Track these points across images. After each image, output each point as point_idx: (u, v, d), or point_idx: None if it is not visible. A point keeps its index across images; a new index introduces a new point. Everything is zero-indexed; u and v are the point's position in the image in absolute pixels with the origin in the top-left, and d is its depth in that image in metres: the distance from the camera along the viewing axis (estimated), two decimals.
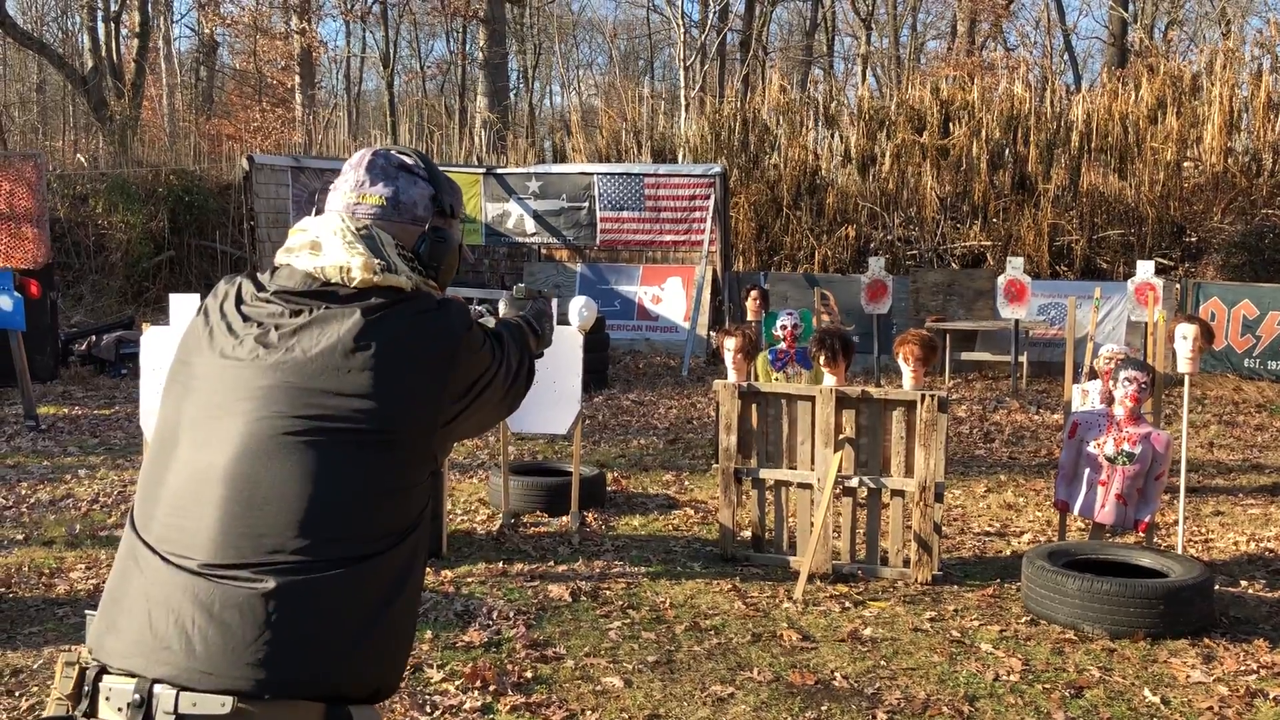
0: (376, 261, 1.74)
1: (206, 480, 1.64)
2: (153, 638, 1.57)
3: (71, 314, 14.26)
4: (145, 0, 22.80)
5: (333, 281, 1.74)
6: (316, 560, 1.59)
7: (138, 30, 22.56)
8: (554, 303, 2.63)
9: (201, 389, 1.71)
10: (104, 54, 22.21)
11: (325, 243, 1.76)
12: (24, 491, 7.03)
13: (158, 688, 1.54)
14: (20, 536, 6.02)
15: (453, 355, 1.75)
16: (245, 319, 1.74)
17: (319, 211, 1.88)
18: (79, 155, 18.42)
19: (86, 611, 1.75)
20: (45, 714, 1.60)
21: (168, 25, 26.84)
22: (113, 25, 22.85)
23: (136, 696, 1.54)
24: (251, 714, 1.53)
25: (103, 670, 1.59)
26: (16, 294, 8.97)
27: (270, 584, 1.56)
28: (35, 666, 4.19)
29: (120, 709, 1.54)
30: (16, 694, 3.94)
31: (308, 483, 1.61)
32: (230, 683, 1.53)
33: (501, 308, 2.40)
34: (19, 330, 9.06)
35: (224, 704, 1.52)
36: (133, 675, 1.56)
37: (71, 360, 12.03)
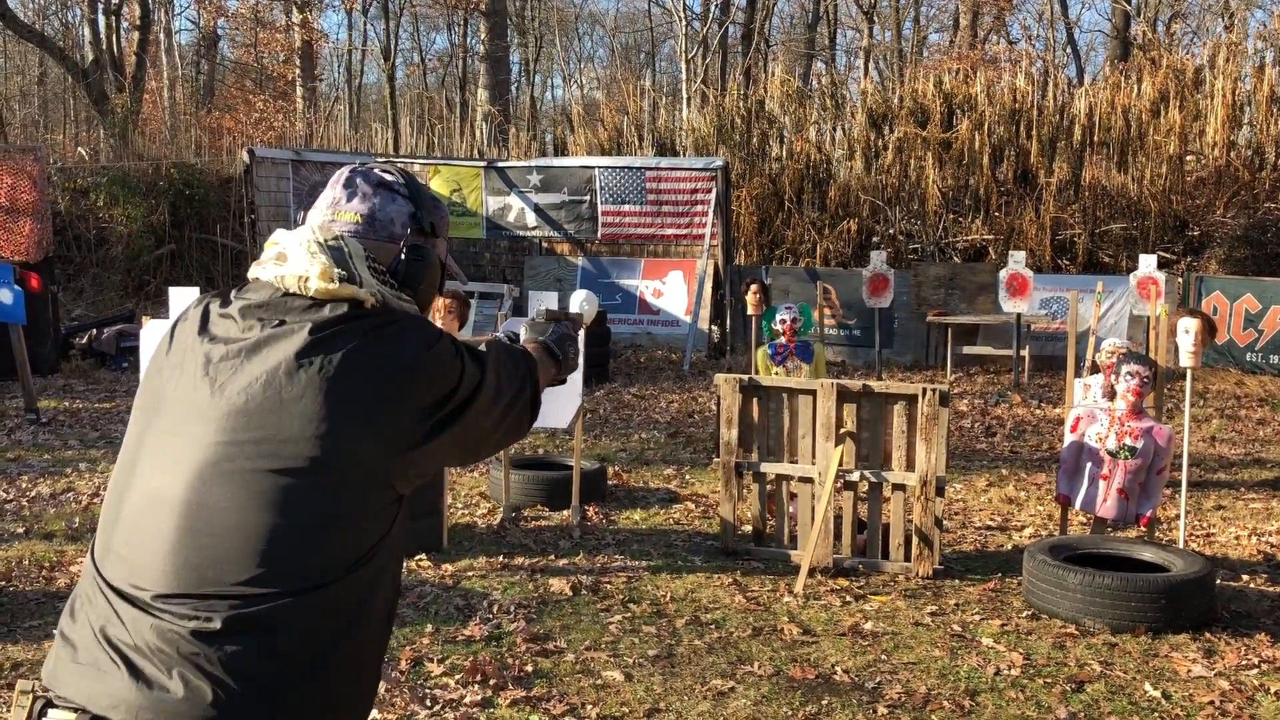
0: (336, 271, 1.67)
1: (158, 508, 1.58)
2: (99, 671, 1.53)
3: (72, 307, 14.26)
4: None
5: (291, 291, 1.68)
6: (262, 591, 1.53)
7: (138, 23, 22.50)
8: (581, 322, 2.37)
9: (161, 411, 1.66)
10: (104, 47, 22.17)
11: (290, 253, 1.71)
12: (25, 485, 7.03)
13: None
14: (21, 530, 6.02)
15: (410, 372, 1.65)
16: (205, 338, 1.68)
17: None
18: (79, 148, 18.40)
19: (47, 643, 1.73)
20: None
21: (168, 18, 26.78)
22: (113, 18, 22.82)
23: None
24: None
25: (48, 704, 1.55)
26: (17, 287, 8.97)
27: (217, 619, 1.51)
28: (36, 660, 4.19)
29: None
30: (16, 687, 3.94)
31: (254, 511, 1.55)
32: None
33: (522, 334, 2.23)
34: (19, 324, 9.06)
35: None
36: (77, 710, 1.52)
37: (72, 354, 12.02)
